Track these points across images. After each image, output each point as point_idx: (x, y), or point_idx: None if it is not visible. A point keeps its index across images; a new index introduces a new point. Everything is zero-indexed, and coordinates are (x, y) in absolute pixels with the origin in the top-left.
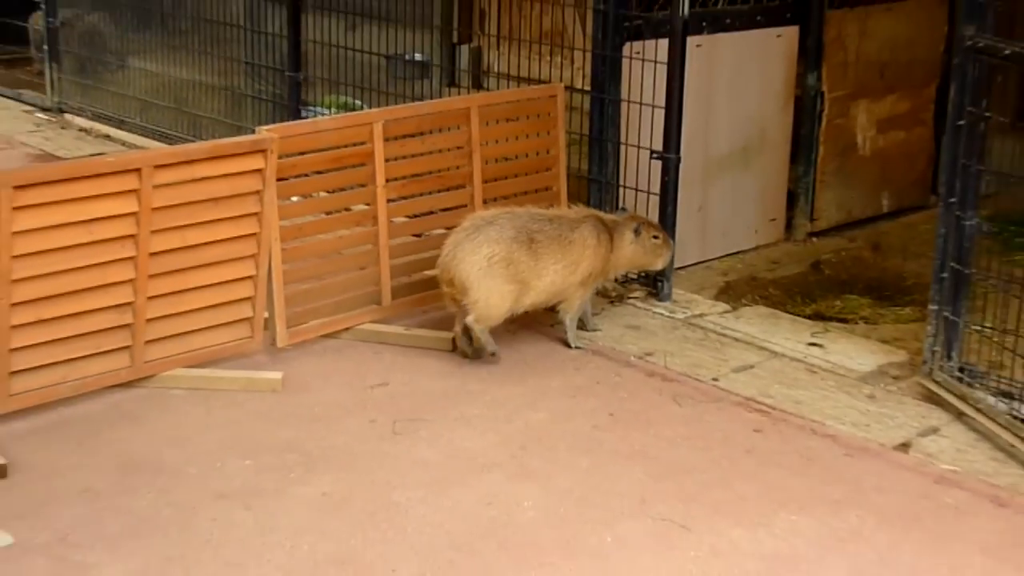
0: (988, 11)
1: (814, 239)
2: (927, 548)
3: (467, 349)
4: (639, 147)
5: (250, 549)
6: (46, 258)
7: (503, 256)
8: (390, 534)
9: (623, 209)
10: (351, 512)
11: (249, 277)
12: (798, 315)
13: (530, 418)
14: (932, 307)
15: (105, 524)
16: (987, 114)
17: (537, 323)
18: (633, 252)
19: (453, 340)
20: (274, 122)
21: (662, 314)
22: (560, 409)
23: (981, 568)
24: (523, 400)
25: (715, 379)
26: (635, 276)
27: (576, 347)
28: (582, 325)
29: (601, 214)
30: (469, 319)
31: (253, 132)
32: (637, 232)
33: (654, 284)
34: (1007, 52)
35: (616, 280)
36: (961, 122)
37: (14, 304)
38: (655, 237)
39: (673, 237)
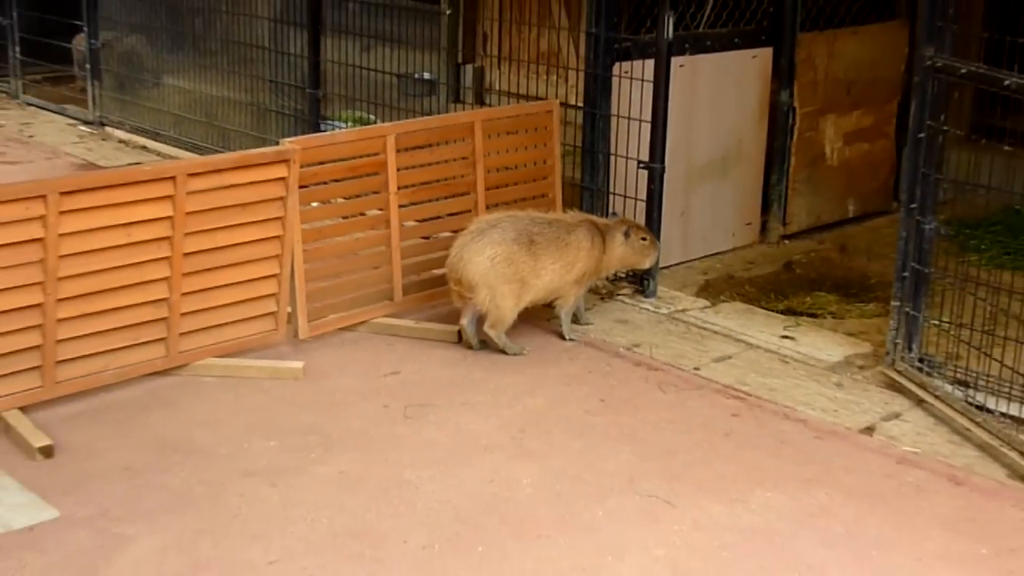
0: (946, 34)
1: (786, 241)
2: (890, 523)
3: (473, 343)
4: (627, 157)
5: (274, 522)
6: (89, 258)
7: (505, 256)
8: (402, 509)
9: (614, 214)
10: (366, 489)
11: (273, 275)
12: (772, 310)
13: (529, 404)
14: (894, 303)
15: (143, 499)
16: (945, 128)
17: (535, 318)
18: (623, 253)
19: (459, 332)
20: (296, 135)
21: (648, 309)
22: (556, 396)
23: (939, 541)
24: (522, 387)
25: (696, 368)
26: (624, 275)
27: (570, 339)
28: (576, 319)
29: (595, 218)
30: (485, 326)
31: (277, 144)
32: (627, 235)
33: (641, 282)
34: (963, 71)
35: (607, 279)
36: (921, 135)
37: (60, 299)
38: (643, 239)
39: (658, 239)
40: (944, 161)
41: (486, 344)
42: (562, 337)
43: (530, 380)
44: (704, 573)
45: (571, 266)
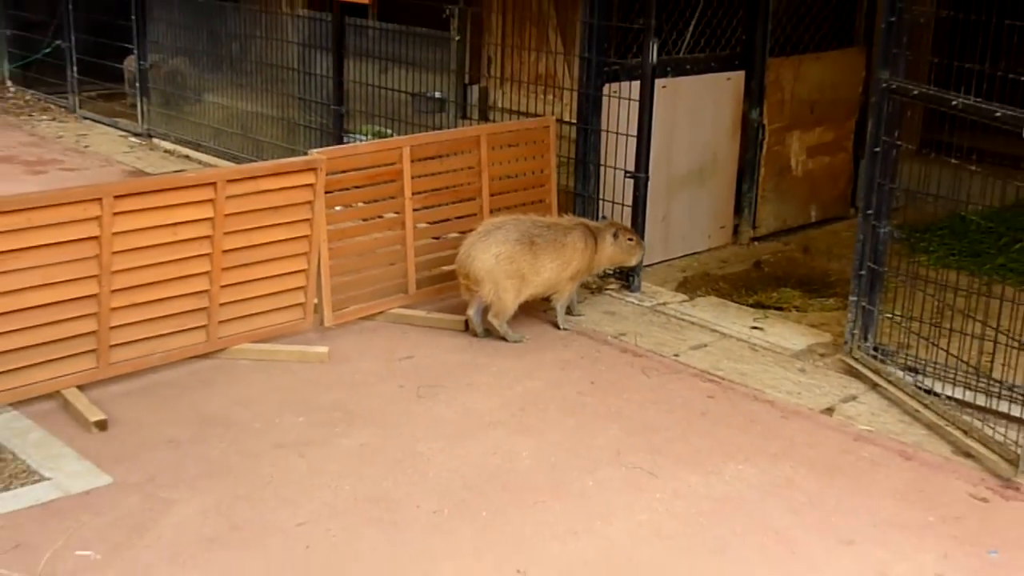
0: (900, 59)
1: (755, 243)
2: (848, 492)
3: (478, 331)
4: (615, 168)
5: (302, 489)
6: (139, 254)
7: (508, 255)
8: (415, 477)
9: (604, 218)
10: (383, 459)
11: (302, 270)
12: (743, 304)
13: (527, 385)
14: (852, 298)
15: (185, 468)
16: (898, 143)
17: (533, 310)
18: (613, 252)
19: (466, 322)
20: (322, 146)
21: (633, 303)
22: (551, 378)
23: (892, 509)
24: (522, 371)
25: (676, 355)
26: (612, 272)
27: (564, 329)
28: (569, 311)
29: (587, 222)
30: (489, 316)
31: (305, 154)
32: (616, 236)
33: (627, 279)
34: (915, 92)
35: (597, 275)
36: (877, 149)
37: (114, 290)
38: (630, 239)
39: (642, 239)
40: (897, 172)
41: (490, 332)
42: (557, 327)
43: (529, 364)
44: (683, 536)
45: (567, 264)
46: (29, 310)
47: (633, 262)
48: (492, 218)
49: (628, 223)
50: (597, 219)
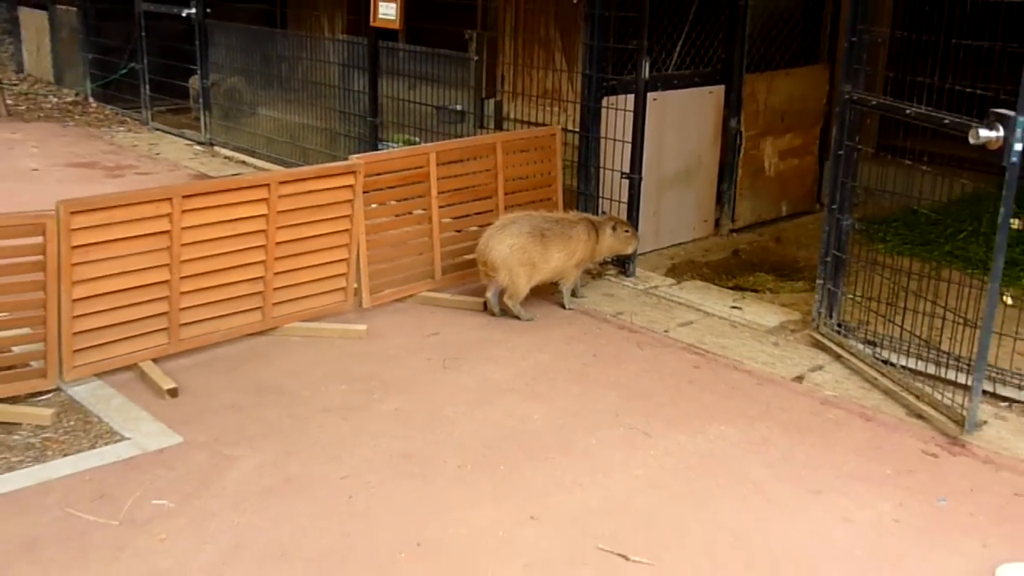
0: (860, 74)
1: (734, 234)
2: (816, 449)
3: (495, 311)
4: (613, 170)
5: (345, 447)
6: (204, 245)
7: (521, 245)
8: (441, 437)
9: (604, 213)
10: (414, 422)
11: (343, 259)
12: (723, 287)
13: (538, 358)
14: (818, 281)
15: (245, 429)
16: (858, 146)
17: (543, 293)
18: (612, 242)
19: (484, 303)
20: (359, 153)
21: (629, 286)
22: (559, 352)
23: (853, 463)
24: (533, 345)
25: (666, 331)
26: (611, 260)
27: (569, 308)
28: (574, 293)
29: (590, 216)
30: (504, 298)
31: (346, 160)
32: (614, 228)
33: (623, 265)
34: (873, 102)
35: (598, 263)
36: (840, 152)
37: (183, 277)
38: (626, 231)
39: (637, 231)
40: (857, 172)
41: (505, 312)
42: (563, 307)
43: (539, 340)
44: (673, 487)
45: (572, 254)
46: (111, 294)
47: (629, 250)
48: (507, 214)
49: (624, 217)
50: (598, 214)
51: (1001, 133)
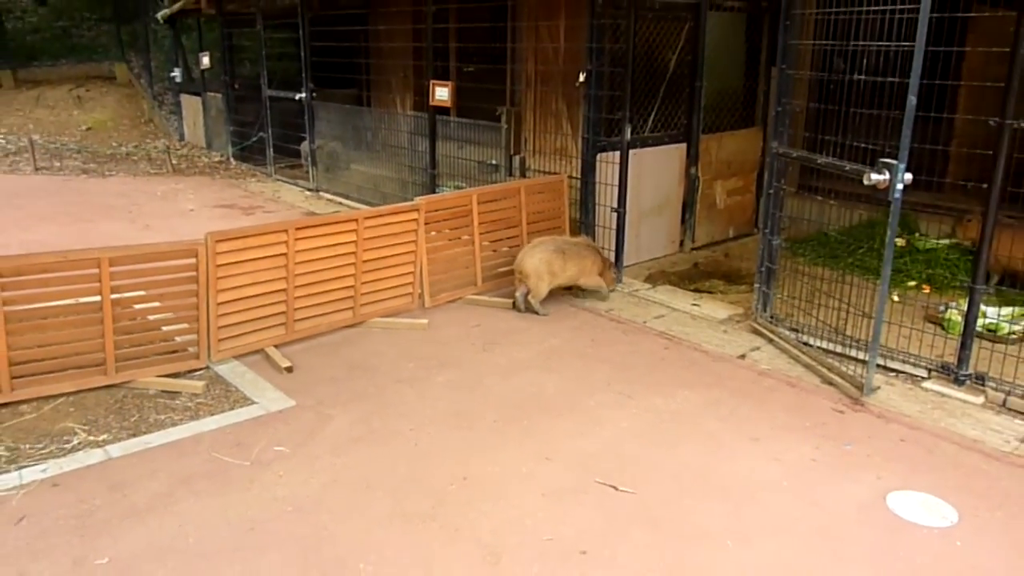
0: (784, 134)
1: (694, 251)
2: (755, 408)
3: (521, 308)
4: (605, 206)
5: (412, 408)
6: (311, 263)
7: (547, 259)
8: (482, 399)
9: (605, 249)
10: (462, 388)
11: (411, 272)
12: (686, 290)
13: (551, 342)
14: (756, 285)
15: (340, 395)
16: (784, 187)
17: (557, 297)
18: (604, 270)
19: (513, 303)
20: (422, 196)
21: (617, 290)
22: (567, 337)
23: (782, 417)
24: (548, 333)
25: (644, 322)
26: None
27: (610, 290)
28: (582, 296)
29: (596, 247)
30: (529, 297)
31: (412, 201)
32: (609, 266)
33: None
34: (794, 155)
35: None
36: (771, 191)
37: (296, 286)
38: (612, 273)
39: (622, 250)
40: (783, 205)
41: (528, 309)
42: (572, 306)
43: (552, 329)
44: (650, 435)
45: (583, 268)
46: (245, 299)
47: (607, 288)
48: (539, 238)
49: (614, 241)
50: (594, 239)
51: (887, 176)
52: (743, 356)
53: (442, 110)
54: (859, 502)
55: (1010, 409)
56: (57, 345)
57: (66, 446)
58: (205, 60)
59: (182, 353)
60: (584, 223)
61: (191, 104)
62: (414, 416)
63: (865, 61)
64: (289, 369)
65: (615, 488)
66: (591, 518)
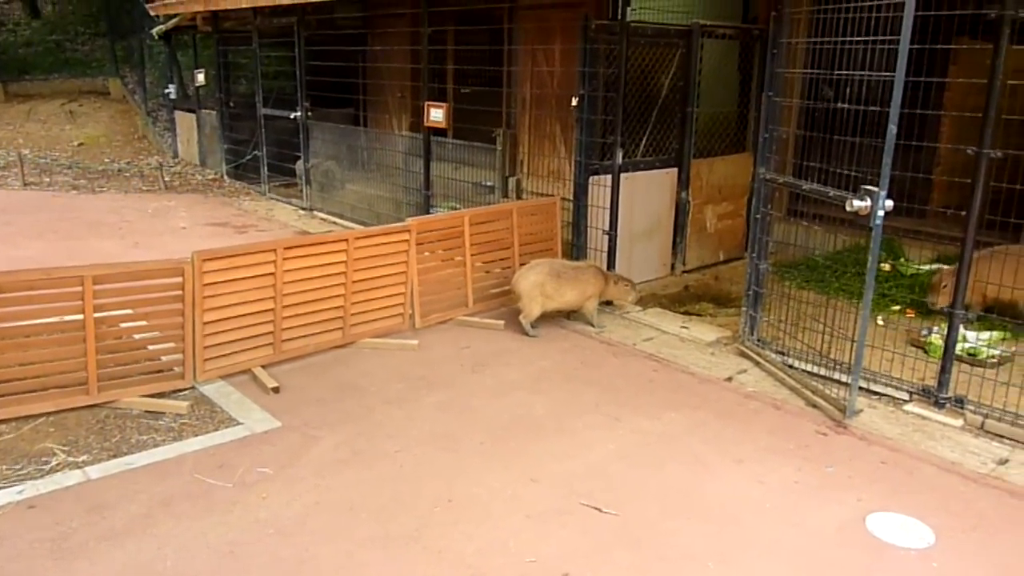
0: (771, 160)
1: (685, 274)
2: (740, 430)
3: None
4: (597, 228)
5: (400, 429)
6: (300, 283)
7: (540, 283)
8: (469, 420)
9: (613, 269)
10: (451, 410)
11: (402, 292)
12: (676, 312)
13: (541, 364)
14: (744, 308)
15: (327, 416)
16: (771, 212)
17: (548, 319)
18: (614, 291)
19: (504, 325)
20: (415, 216)
21: (608, 312)
22: (557, 359)
23: (767, 439)
24: (537, 355)
25: (634, 344)
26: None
27: (598, 328)
28: (582, 319)
29: (599, 266)
30: (519, 317)
31: (404, 221)
32: (616, 282)
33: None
34: (780, 180)
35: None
36: (758, 216)
37: (284, 305)
38: (625, 284)
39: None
40: (771, 230)
41: (522, 330)
42: (561, 327)
43: (542, 351)
44: (636, 457)
45: (583, 292)
46: (232, 318)
47: (629, 300)
48: (535, 260)
49: (604, 261)
50: (585, 260)
51: (868, 203)
52: (730, 379)
53: (438, 131)
54: (839, 523)
55: (988, 432)
56: (39, 364)
57: (44, 467)
58: (200, 77)
59: (167, 373)
60: (576, 245)
61: (185, 121)
62: (401, 437)
63: (849, 90)
64: (276, 390)
65: (599, 510)
66: (575, 540)
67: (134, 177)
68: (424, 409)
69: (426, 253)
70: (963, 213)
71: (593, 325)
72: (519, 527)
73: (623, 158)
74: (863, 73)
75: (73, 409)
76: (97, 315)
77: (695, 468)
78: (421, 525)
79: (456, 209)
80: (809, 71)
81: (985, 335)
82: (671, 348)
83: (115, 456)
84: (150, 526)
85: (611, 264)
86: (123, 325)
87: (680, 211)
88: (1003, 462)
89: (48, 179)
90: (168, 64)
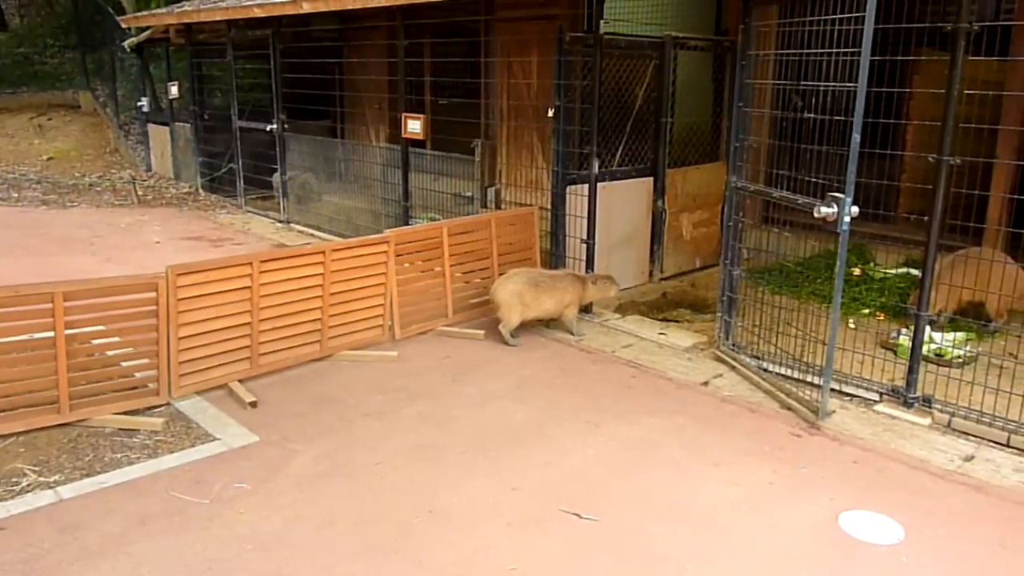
0: (742, 169)
1: (662, 281)
2: (717, 434)
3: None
4: (575, 237)
5: (380, 441)
6: (277, 296)
7: (519, 292)
8: (450, 431)
9: (591, 272)
10: (431, 420)
11: (381, 304)
12: (654, 319)
13: (522, 372)
14: (719, 314)
15: (306, 430)
16: (744, 220)
17: (528, 328)
18: (594, 291)
19: (484, 334)
20: (394, 227)
21: (587, 320)
22: (537, 368)
23: (743, 442)
24: (518, 364)
25: (613, 351)
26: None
27: (577, 336)
28: (566, 328)
29: (576, 273)
30: (499, 326)
31: (382, 233)
32: (594, 282)
33: (587, 306)
34: (751, 189)
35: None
36: (730, 224)
37: (261, 319)
38: (605, 281)
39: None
40: (744, 237)
41: (502, 340)
42: (542, 336)
43: (522, 360)
44: (615, 463)
45: (561, 300)
46: (207, 333)
47: (611, 294)
48: (514, 269)
49: (583, 269)
50: (568, 268)
51: (835, 209)
52: (706, 383)
53: (417, 142)
54: (813, 523)
55: (954, 430)
56: (8, 383)
57: (14, 488)
58: (174, 90)
59: (141, 389)
60: (555, 255)
61: (159, 134)
62: (381, 449)
63: (815, 100)
64: (253, 404)
65: (579, 516)
66: (555, 547)
67: (106, 191)
68: (404, 420)
69: (405, 264)
70: (926, 218)
71: (573, 333)
72: (500, 535)
73: (600, 168)
74: (828, 84)
75: (44, 428)
76: (68, 332)
77: (673, 472)
78: (402, 536)
79: (435, 220)
80: (778, 82)
81: (951, 335)
82: (649, 354)
83: (88, 475)
84: (125, 545)
85: (588, 272)
86: (95, 342)
87: (657, 219)
88: (969, 459)
89: (16, 194)
90: (140, 77)
